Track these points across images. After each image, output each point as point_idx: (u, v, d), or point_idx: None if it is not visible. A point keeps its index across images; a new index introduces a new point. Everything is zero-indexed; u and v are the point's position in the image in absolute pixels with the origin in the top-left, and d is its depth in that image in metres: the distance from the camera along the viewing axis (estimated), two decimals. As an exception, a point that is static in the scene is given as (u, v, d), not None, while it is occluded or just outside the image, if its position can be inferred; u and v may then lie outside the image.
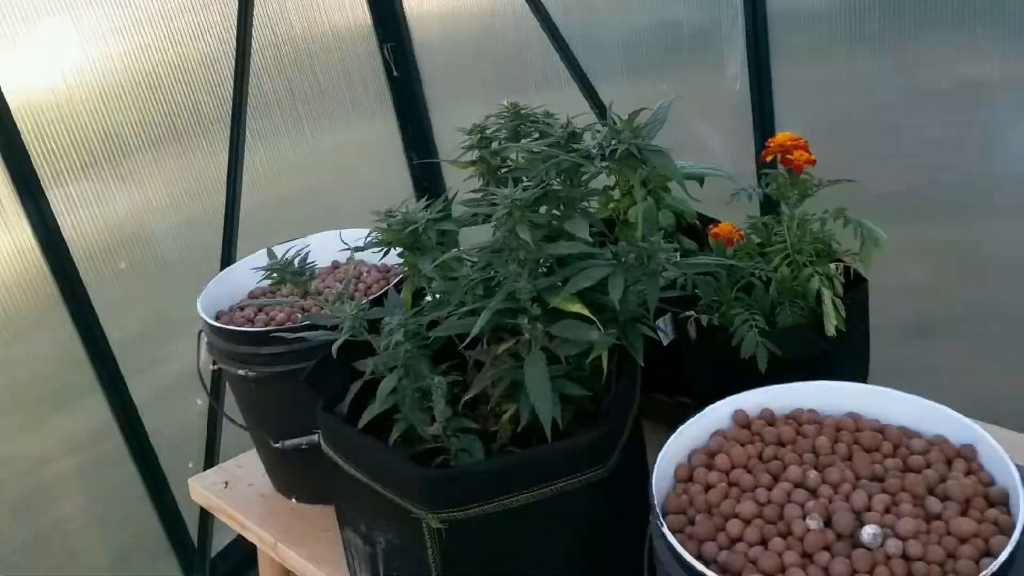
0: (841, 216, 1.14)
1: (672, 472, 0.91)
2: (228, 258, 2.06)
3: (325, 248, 1.40)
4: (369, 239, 1.04)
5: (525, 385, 0.91)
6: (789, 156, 1.13)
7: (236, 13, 2.02)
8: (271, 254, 1.12)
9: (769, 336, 1.09)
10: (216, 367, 1.37)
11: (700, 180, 1.33)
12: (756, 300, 1.15)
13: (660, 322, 1.13)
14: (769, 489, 0.85)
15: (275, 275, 1.10)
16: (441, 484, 0.90)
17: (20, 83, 1.68)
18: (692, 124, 1.97)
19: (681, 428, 0.92)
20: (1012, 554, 0.74)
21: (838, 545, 0.79)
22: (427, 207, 1.04)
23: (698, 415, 0.94)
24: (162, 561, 2.05)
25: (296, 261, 1.10)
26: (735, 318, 1.11)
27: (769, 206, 1.55)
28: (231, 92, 2.05)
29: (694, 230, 1.31)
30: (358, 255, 1.39)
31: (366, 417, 0.98)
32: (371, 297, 1.26)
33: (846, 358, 1.17)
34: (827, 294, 1.10)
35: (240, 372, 1.28)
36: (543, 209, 0.96)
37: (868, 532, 0.78)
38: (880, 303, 1.21)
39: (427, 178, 2.52)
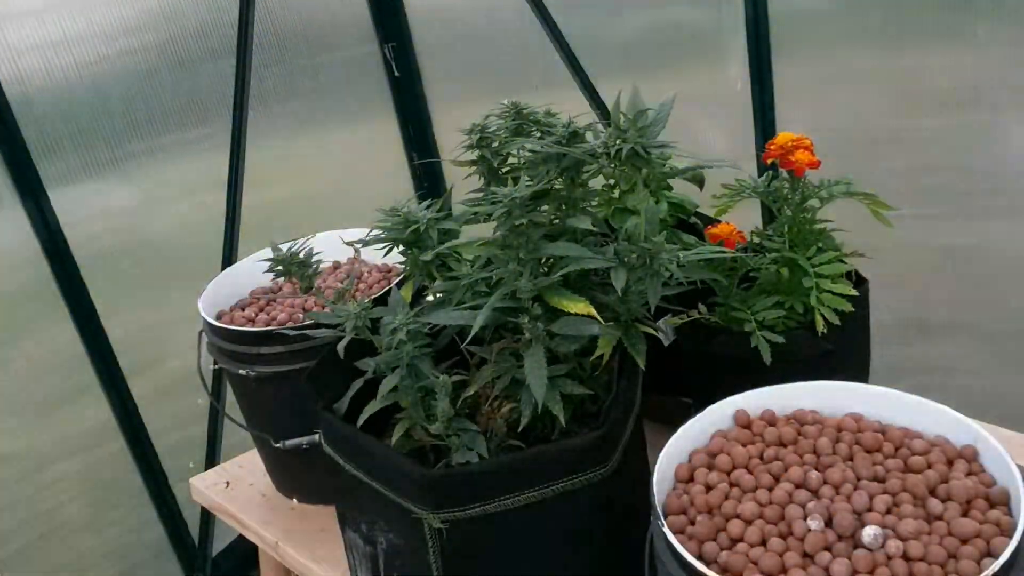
0: (848, 193, 1.12)
1: (673, 472, 0.91)
2: (229, 258, 2.06)
3: (326, 248, 1.40)
4: (371, 236, 1.05)
5: (525, 379, 0.91)
6: (791, 158, 1.11)
7: (237, 12, 2.02)
8: (275, 248, 1.12)
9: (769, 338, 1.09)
10: (217, 367, 1.37)
11: (700, 183, 1.33)
12: (757, 300, 1.14)
13: (661, 322, 1.13)
14: (770, 490, 0.85)
15: (280, 267, 1.10)
16: (442, 484, 0.90)
17: (21, 83, 1.68)
18: (693, 124, 1.96)
19: (682, 428, 0.92)
20: (1014, 554, 0.73)
21: (839, 546, 0.79)
22: (429, 207, 1.04)
23: (699, 415, 0.94)
24: (163, 561, 2.05)
25: (302, 254, 1.10)
26: (737, 313, 1.11)
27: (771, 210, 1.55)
28: (232, 92, 2.05)
29: (695, 229, 1.31)
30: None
31: (365, 414, 0.98)
32: (372, 297, 1.26)
33: (847, 358, 1.17)
34: (814, 294, 1.09)
35: (241, 372, 1.28)
36: (544, 208, 0.96)
37: (869, 533, 0.78)
38: (881, 303, 1.21)
39: (428, 178, 2.52)
